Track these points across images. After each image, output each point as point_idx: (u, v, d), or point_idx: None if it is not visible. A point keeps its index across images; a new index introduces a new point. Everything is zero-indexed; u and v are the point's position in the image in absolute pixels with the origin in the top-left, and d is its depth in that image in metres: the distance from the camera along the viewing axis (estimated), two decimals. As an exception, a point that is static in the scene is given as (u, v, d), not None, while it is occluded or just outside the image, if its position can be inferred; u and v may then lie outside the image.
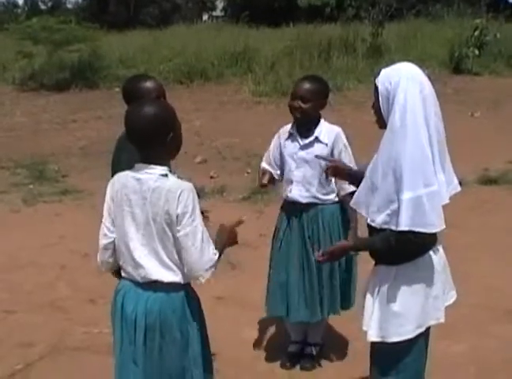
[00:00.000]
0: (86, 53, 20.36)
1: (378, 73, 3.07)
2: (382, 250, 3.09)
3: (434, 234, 2.98)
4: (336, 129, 4.45)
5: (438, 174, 2.97)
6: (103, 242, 3.15)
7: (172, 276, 3.01)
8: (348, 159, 4.34)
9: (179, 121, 3.10)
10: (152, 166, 2.96)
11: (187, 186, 2.94)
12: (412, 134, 2.88)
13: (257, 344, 5.09)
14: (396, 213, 2.93)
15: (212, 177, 9.76)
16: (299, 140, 4.44)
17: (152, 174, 2.94)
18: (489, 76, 20.01)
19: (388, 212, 2.97)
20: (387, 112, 2.99)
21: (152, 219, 2.94)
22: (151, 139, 2.93)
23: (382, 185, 2.99)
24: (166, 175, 2.95)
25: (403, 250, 3.02)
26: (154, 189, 2.92)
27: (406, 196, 2.87)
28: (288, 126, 4.53)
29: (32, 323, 5.48)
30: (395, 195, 2.92)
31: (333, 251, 3.27)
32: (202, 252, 2.94)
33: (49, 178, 10.27)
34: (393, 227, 2.95)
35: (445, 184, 3.01)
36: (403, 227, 2.89)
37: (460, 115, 13.59)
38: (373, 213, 3.06)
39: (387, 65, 3.11)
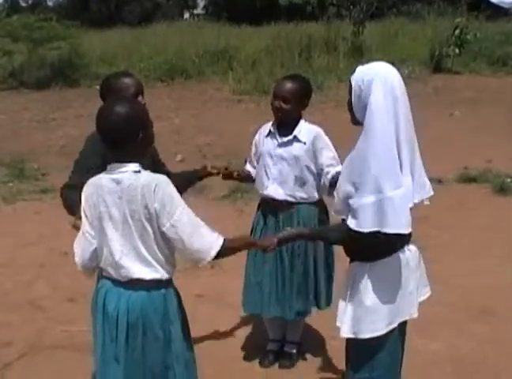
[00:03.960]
0: (66, 51, 20.31)
1: (354, 71, 3.08)
2: (335, 242, 3.26)
3: (401, 235, 2.94)
4: (316, 129, 4.42)
5: (405, 177, 2.94)
6: (88, 250, 3.08)
7: (153, 273, 3.01)
8: (332, 156, 4.33)
9: (151, 121, 3.10)
10: (125, 164, 2.95)
11: (162, 179, 2.95)
12: (380, 135, 2.88)
13: (236, 343, 5.09)
14: (354, 211, 2.93)
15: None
16: (278, 137, 4.43)
17: (126, 172, 2.94)
18: (469, 74, 20.16)
19: (349, 208, 2.98)
20: (358, 109, 3.00)
21: (130, 217, 2.94)
22: (121, 138, 2.93)
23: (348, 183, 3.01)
24: (139, 171, 2.96)
25: (366, 248, 3.03)
26: (128, 187, 2.92)
27: (369, 198, 2.87)
28: (269, 124, 4.53)
29: (10, 322, 5.45)
30: (357, 193, 2.92)
31: (287, 238, 3.28)
32: (200, 234, 2.96)
33: (29, 176, 10.22)
34: (352, 226, 2.95)
35: (411, 187, 2.98)
36: (366, 229, 2.89)
37: (440, 114, 13.70)
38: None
39: (367, 63, 3.12)
